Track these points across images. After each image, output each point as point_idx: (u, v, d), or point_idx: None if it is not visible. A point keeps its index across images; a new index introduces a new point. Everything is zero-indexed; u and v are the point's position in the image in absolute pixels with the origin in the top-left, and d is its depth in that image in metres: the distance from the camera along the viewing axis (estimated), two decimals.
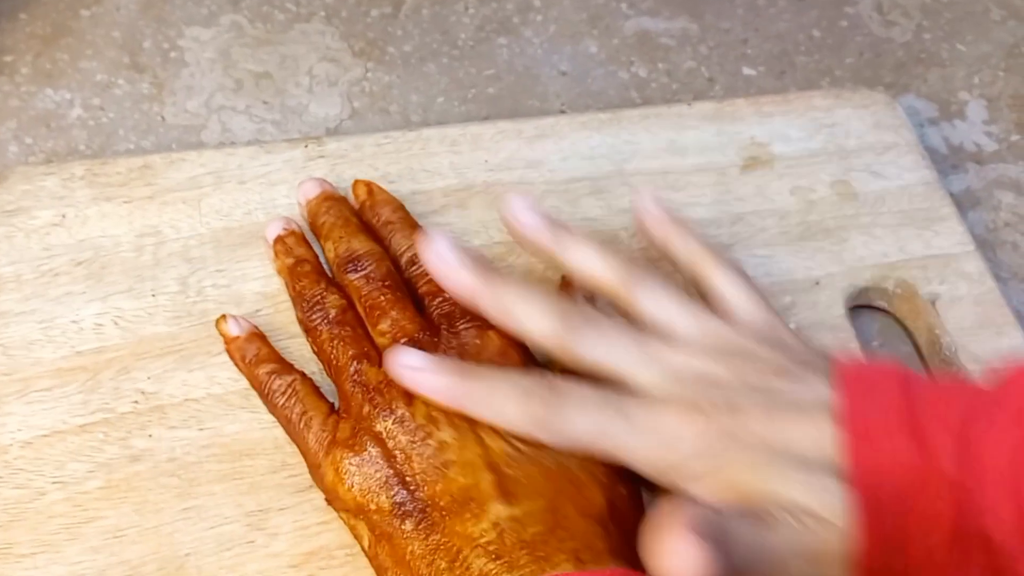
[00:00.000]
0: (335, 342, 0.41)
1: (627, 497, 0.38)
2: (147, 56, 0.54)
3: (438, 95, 0.55)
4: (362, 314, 0.42)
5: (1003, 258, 0.52)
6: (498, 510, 0.35)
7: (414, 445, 0.37)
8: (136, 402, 0.41)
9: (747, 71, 0.58)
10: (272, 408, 0.41)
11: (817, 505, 0.34)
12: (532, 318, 0.39)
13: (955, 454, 0.34)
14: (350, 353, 0.40)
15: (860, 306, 0.49)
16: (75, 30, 0.54)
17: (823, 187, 0.51)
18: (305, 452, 0.39)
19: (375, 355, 0.40)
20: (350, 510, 0.38)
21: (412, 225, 0.45)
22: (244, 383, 0.42)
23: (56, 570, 0.37)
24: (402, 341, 0.40)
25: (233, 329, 0.42)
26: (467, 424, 0.37)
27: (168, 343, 0.43)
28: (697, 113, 0.52)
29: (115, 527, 0.39)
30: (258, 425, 0.41)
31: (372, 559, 0.37)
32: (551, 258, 0.41)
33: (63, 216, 0.45)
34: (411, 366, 0.38)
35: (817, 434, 0.35)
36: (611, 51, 0.57)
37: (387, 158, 0.49)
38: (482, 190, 0.48)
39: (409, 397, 0.38)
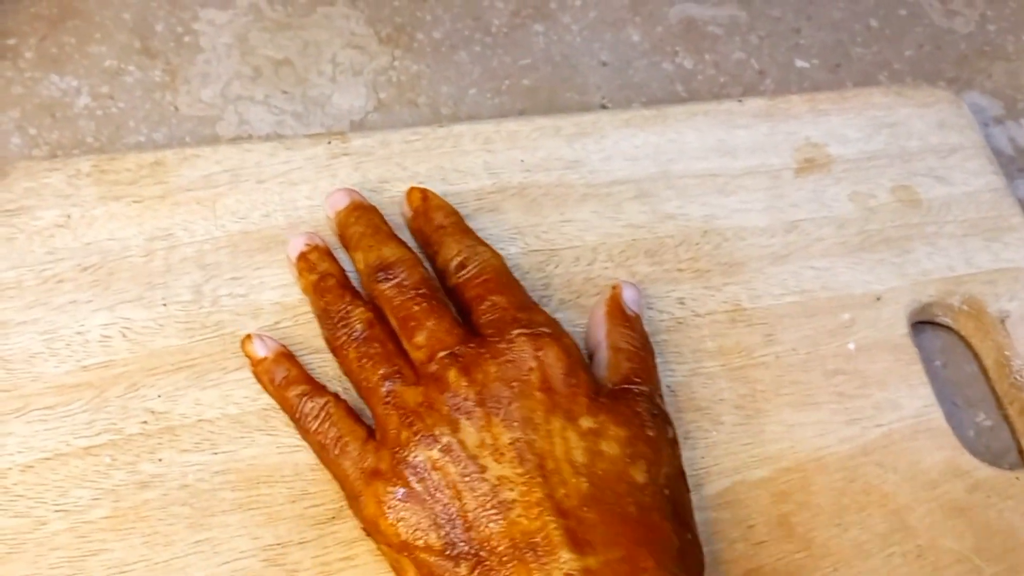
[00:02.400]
0: (364, 361, 0.37)
1: (692, 542, 0.36)
2: (159, 40, 0.50)
3: (470, 86, 0.51)
4: (395, 327, 0.38)
5: None
6: (569, 561, 0.32)
7: (466, 480, 0.34)
8: (145, 423, 0.38)
9: (800, 63, 0.54)
10: (304, 433, 0.38)
11: None
12: None
13: None
14: (381, 372, 0.37)
15: (922, 321, 0.46)
16: (83, 12, 0.51)
17: (884, 193, 0.47)
18: (342, 480, 0.36)
19: (410, 373, 0.37)
20: (393, 545, 0.34)
21: (465, 231, 0.41)
22: (262, 403, 0.39)
23: None
24: (440, 355, 0.36)
25: (260, 350, 0.39)
26: (534, 457, 0.34)
27: (180, 358, 0.40)
28: (748, 110, 0.49)
29: (122, 561, 0.36)
30: (276, 449, 0.38)
31: None
32: None
33: (68, 216, 0.42)
34: None
35: None
36: (655, 40, 0.53)
37: (416, 156, 0.45)
38: (517, 192, 0.45)
39: (455, 422, 0.35)
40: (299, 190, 0.44)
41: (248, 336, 0.39)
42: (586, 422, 0.35)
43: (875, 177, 0.47)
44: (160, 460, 0.38)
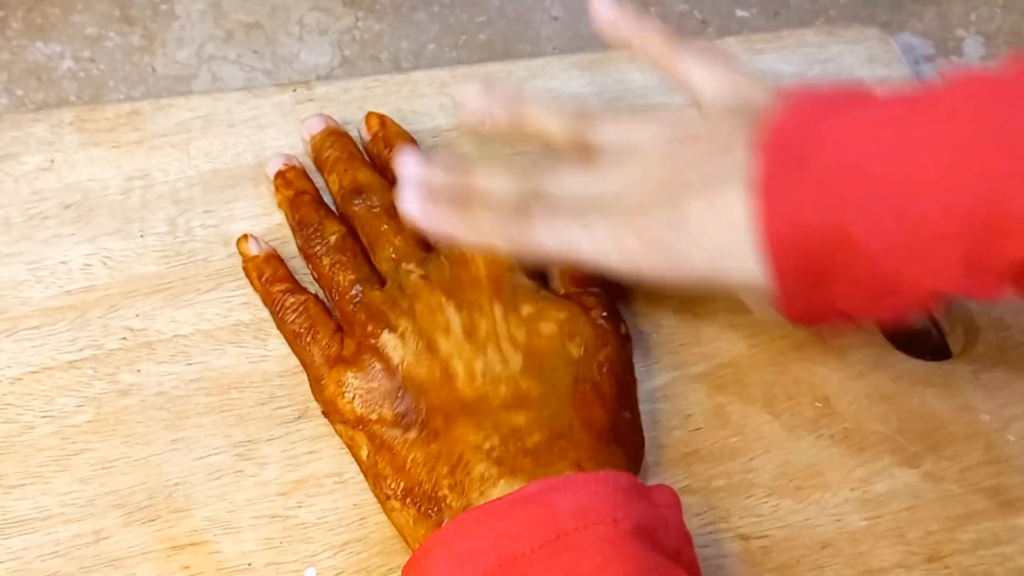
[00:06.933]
0: (336, 267, 0.41)
1: (631, 422, 0.39)
2: (137, 9, 0.54)
3: (429, 42, 0.54)
4: (365, 242, 0.42)
5: None
6: (502, 419, 0.36)
7: (418, 355, 0.37)
8: (124, 339, 0.41)
9: (740, 13, 0.57)
10: (281, 324, 0.41)
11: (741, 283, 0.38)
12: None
13: (874, 216, 0.34)
14: (351, 277, 0.41)
15: None
16: None
17: None
18: (309, 365, 0.40)
19: (376, 280, 0.41)
20: (348, 422, 0.38)
21: None
22: (233, 319, 0.42)
23: (45, 500, 0.38)
24: (404, 265, 0.40)
25: (253, 248, 0.43)
26: (478, 336, 0.38)
27: (156, 282, 0.43)
28: None
29: (104, 459, 0.39)
30: (246, 359, 0.41)
31: (369, 468, 0.38)
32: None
33: (52, 161, 0.45)
34: (410, 199, 0.40)
35: (733, 211, 0.36)
36: None
37: (376, 100, 0.49)
38: (471, 130, 0.48)
39: (412, 311, 0.38)
40: (267, 133, 0.47)
41: (244, 236, 0.43)
42: (526, 308, 0.39)
43: None
44: (139, 371, 0.41)
